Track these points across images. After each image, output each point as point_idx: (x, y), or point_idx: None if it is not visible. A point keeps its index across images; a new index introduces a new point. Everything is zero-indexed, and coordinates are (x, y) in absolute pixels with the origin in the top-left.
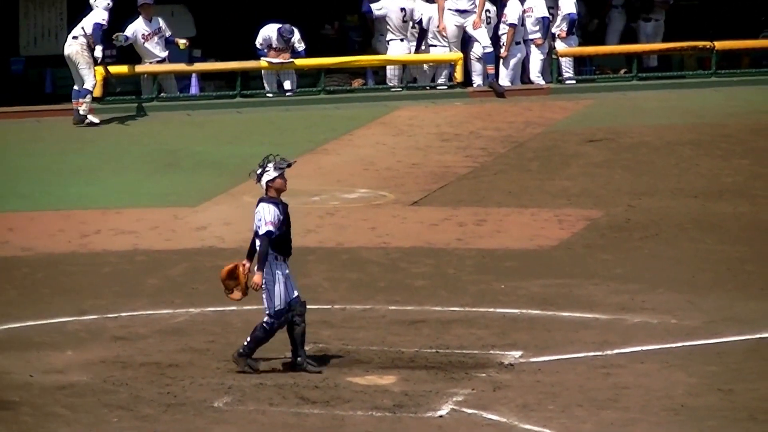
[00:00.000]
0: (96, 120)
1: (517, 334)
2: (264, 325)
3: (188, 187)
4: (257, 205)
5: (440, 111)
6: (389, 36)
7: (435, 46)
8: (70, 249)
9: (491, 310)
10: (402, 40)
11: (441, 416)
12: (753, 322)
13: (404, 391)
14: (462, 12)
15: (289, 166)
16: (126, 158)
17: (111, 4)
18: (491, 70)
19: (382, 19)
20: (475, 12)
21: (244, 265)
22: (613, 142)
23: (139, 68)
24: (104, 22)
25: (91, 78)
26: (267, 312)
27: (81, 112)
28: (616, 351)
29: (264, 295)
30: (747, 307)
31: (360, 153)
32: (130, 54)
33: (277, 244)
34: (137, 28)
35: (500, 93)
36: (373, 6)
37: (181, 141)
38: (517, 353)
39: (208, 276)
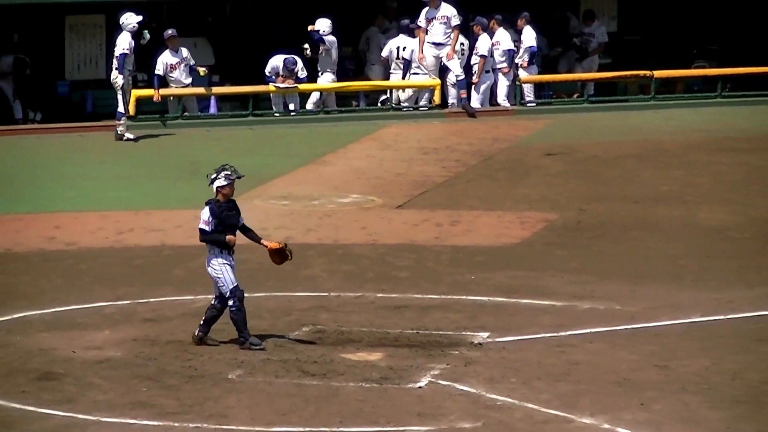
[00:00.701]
0: (132, 136)
1: (485, 318)
2: (231, 309)
3: (207, 192)
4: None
5: (421, 129)
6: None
7: (417, 74)
8: (108, 244)
9: (464, 297)
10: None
11: (420, 387)
12: (686, 308)
13: (389, 365)
14: (438, 45)
15: (238, 178)
16: (155, 167)
17: (137, 25)
18: (463, 95)
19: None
20: (449, 45)
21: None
22: (568, 156)
23: (165, 91)
24: (127, 51)
25: (122, 103)
26: (226, 296)
27: (119, 132)
28: (569, 332)
29: (218, 283)
30: (680, 296)
31: (353, 164)
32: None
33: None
34: (165, 60)
35: (471, 114)
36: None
37: (202, 153)
38: (485, 334)
39: None
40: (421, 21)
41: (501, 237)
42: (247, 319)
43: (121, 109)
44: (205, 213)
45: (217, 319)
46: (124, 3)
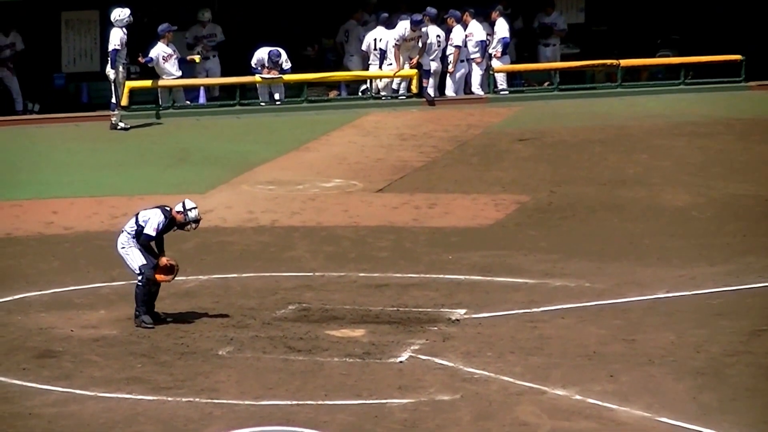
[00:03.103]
0: (125, 126)
1: (461, 295)
2: (138, 284)
3: (197, 178)
4: (154, 209)
5: (400, 116)
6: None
7: (392, 64)
8: (103, 228)
9: (441, 276)
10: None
11: (401, 362)
12: (650, 285)
13: (371, 341)
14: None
15: (197, 223)
16: (147, 155)
17: (128, 20)
18: (425, 83)
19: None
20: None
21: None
22: (538, 141)
23: (161, 83)
24: (118, 47)
25: (115, 95)
26: (135, 273)
27: (113, 122)
28: (541, 309)
29: (126, 261)
30: (645, 273)
31: (335, 150)
32: (151, 72)
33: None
34: (159, 51)
35: (430, 101)
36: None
37: (192, 141)
38: (462, 311)
39: (213, 250)
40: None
41: (476, 218)
42: (150, 300)
43: (114, 100)
44: (158, 221)
45: (149, 294)
46: None
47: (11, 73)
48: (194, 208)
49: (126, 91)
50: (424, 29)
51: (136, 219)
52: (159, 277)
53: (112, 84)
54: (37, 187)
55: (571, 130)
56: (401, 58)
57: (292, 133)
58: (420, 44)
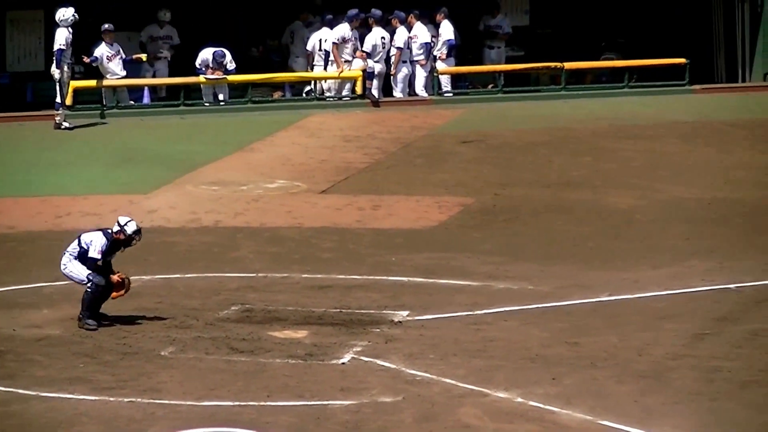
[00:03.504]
0: (69, 125)
1: (405, 297)
2: (87, 291)
3: (141, 178)
4: (97, 232)
5: (344, 118)
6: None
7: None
8: (47, 227)
9: (384, 277)
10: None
11: (343, 363)
12: (594, 288)
13: (314, 342)
14: (348, 61)
15: (138, 234)
16: (91, 155)
17: (73, 19)
18: (368, 85)
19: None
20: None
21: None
22: (483, 143)
23: (105, 82)
24: (63, 47)
25: (60, 94)
26: (84, 284)
27: (57, 121)
28: (484, 311)
29: (72, 278)
30: (589, 276)
31: (279, 151)
32: (94, 71)
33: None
34: (102, 51)
35: (375, 103)
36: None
37: (136, 141)
38: (405, 312)
39: (157, 250)
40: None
41: (420, 220)
42: (97, 306)
43: (59, 99)
44: (101, 243)
45: (93, 300)
46: None
47: None
48: (130, 221)
49: (70, 90)
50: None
51: (79, 241)
52: (114, 294)
53: (57, 83)
54: None
55: (516, 132)
56: (340, 58)
57: (236, 134)
58: (354, 46)
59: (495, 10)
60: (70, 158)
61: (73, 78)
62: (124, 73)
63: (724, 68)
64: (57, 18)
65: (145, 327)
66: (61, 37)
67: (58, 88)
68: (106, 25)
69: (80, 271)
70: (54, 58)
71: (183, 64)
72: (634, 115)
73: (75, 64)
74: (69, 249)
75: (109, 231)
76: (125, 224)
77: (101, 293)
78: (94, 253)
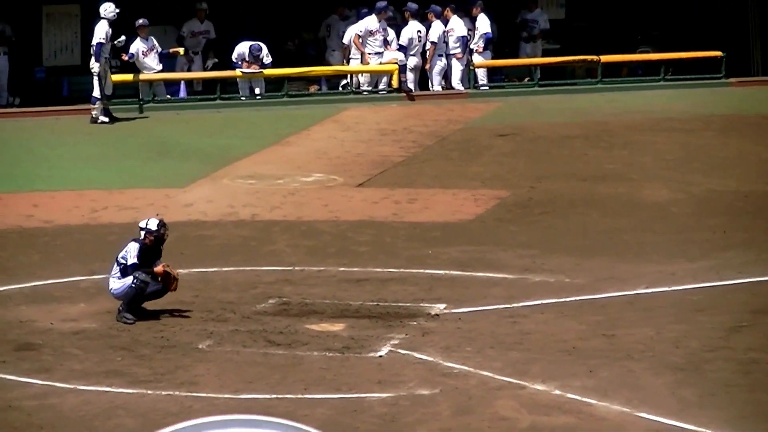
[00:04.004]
0: (106, 119)
1: (441, 290)
2: (131, 285)
3: (177, 172)
4: (128, 244)
5: (380, 111)
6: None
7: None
8: (83, 221)
9: (420, 271)
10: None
11: (380, 356)
12: (629, 281)
13: (351, 336)
14: (378, 53)
15: (162, 226)
16: (128, 148)
17: (114, 15)
18: (402, 78)
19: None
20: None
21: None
22: (518, 136)
23: (141, 77)
24: (103, 40)
25: (97, 88)
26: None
27: (93, 115)
28: (520, 304)
29: (125, 290)
30: (624, 269)
31: (316, 145)
32: (131, 65)
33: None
34: (138, 46)
35: (410, 96)
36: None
37: (172, 135)
38: (442, 305)
39: (193, 243)
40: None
41: (456, 214)
42: (138, 302)
43: (96, 93)
44: (136, 247)
45: (142, 298)
46: None
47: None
48: (148, 220)
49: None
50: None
51: (116, 260)
52: (172, 287)
53: (96, 77)
54: (17, 181)
55: (551, 125)
56: (365, 50)
57: (272, 128)
58: (383, 38)
59: (532, 4)
60: (106, 152)
61: (111, 72)
62: (160, 67)
63: (761, 61)
64: (101, 11)
65: (182, 320)
66: (101, 31)
67: (96, 82)
68: (141, 21)
69: (125, 281)
70: (92, 52)
71: (220, 58)
72: (670, 109)
73: (112, 59)
74: (111, 273)
75: (138, 238)
76: (147, 225)
77: (150, 293)
78: (133, 259)
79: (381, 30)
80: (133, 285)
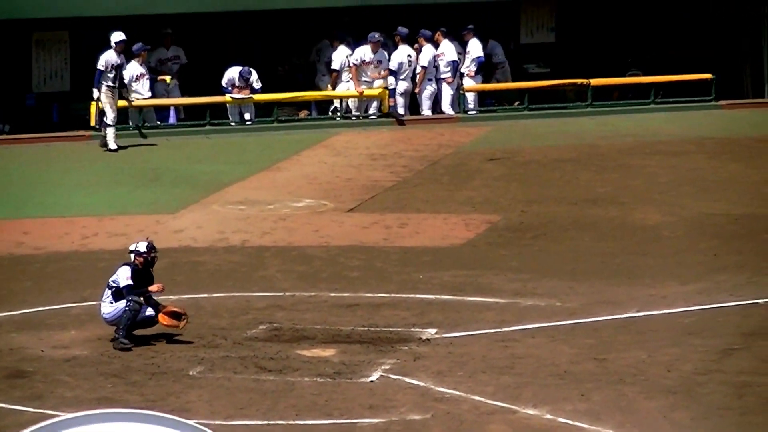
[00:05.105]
0: (114, 146)
1: (432, 315)
2: (126, 309)
3: (168, 198)
4: (119, 268)
5: (370, 136)
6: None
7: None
8: (74, 248)
9: (412, 295)
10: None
11: (372, 381)
12: (622, 304)
13: (342, 361)
14: (368, 82)
15: (151, 249)
16: (118, 175)
17: (121, 40)
18: (391, 102)
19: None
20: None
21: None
22: (509, 160)
23: (134, 103)
24: (102, 68)
25: (109, 113)
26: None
27: (106, 140)
28: (512, 328)
29: (117, 313)
30: (617, 292)
31: (306, 170)
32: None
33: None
34: (132, 71)
35: (400, 121)
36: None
37: (162, 161)
38: (433, 330)
39: (184, 269)
40: (356, 60)
41: (447, 238)
42: (134, 326)
43: (107, 120)
44: (127, 269)
45: (129, 319)
46: (87, 19)
47: None
48: (137, 243)
49: (93, 111)
50: (383, 54)
51: (108, 285)
52: (166, 322)
53: (99, 103)
54: (7, 207)
55: (542, 149)
56: (361, 78)
57: (262, 153)
58: (381, 68)
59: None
60: (96, 179)
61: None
62: (149, 93)
63: (751, 84)
64: (111, 39)
65: (173, 347)
66: (103, 59)
67: (105, 108)
68: (140, 45)
69: (118, 305)
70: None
71: (209, 84)
72: (661, 132)
73: (115, 87)
74: (102, 298)
75: (129, 263)
76: (135, 248)
77: (142, 320)
78: (126, 281)
79: (375, 62)
80: (127, 307)
